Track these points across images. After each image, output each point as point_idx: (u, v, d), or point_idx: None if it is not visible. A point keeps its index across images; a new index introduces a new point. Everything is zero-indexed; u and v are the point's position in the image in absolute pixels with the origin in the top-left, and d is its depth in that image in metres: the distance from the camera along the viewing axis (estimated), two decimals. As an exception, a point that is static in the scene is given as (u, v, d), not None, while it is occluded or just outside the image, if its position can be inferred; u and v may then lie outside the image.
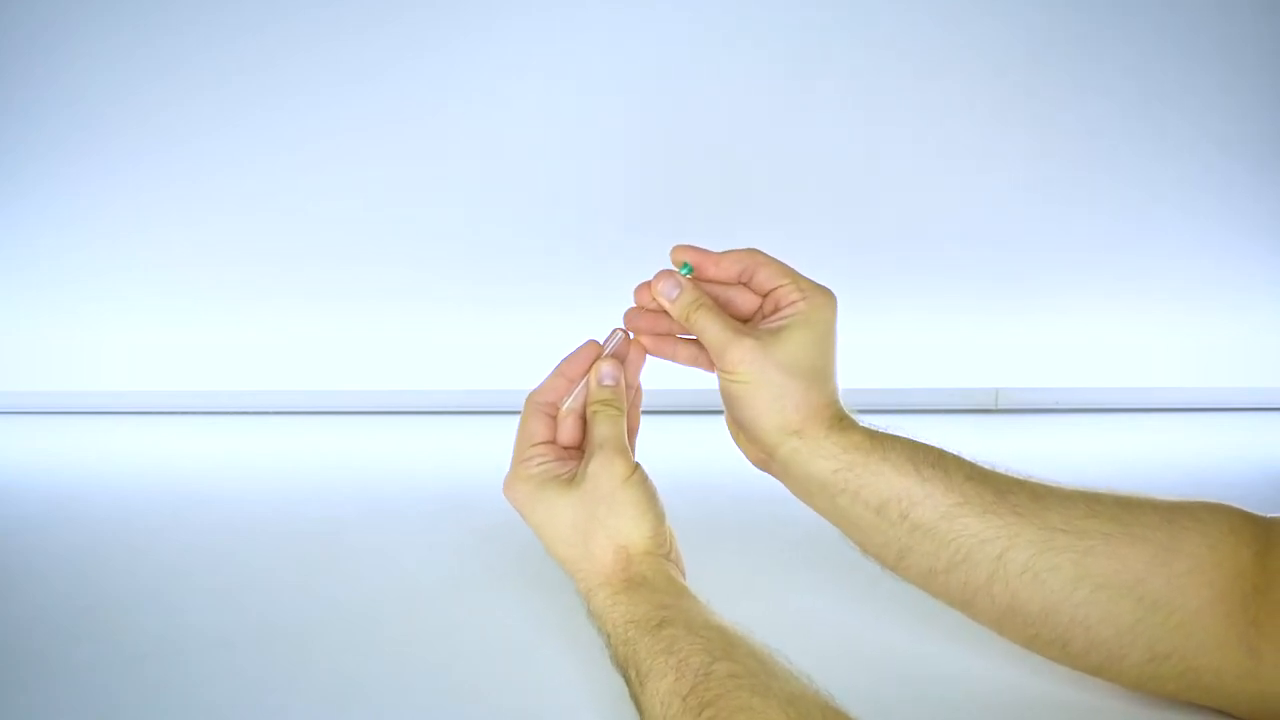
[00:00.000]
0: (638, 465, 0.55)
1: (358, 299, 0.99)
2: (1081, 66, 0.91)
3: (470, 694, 0.58)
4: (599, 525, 0.54)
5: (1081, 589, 0.50)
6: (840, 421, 0.55)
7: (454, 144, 0.94)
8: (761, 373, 0.54)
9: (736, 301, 0.58)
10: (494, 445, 0.95)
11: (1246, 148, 0.93)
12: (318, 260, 0.98)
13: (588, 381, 0.58)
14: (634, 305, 0.59)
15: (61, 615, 0.66)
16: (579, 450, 0.59)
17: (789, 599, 0.67)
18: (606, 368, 0.58)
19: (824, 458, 0.54)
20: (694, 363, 0.60)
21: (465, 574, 0.71)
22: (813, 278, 0.57)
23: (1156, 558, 0.50)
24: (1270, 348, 0.99)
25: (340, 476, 0.89)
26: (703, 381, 0.59)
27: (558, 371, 0.59)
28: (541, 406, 0.58)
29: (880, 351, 0.98)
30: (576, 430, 0.58)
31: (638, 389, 0.60)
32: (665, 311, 0.58)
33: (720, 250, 0.58)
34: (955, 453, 0.55)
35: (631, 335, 0.60)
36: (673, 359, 0.61)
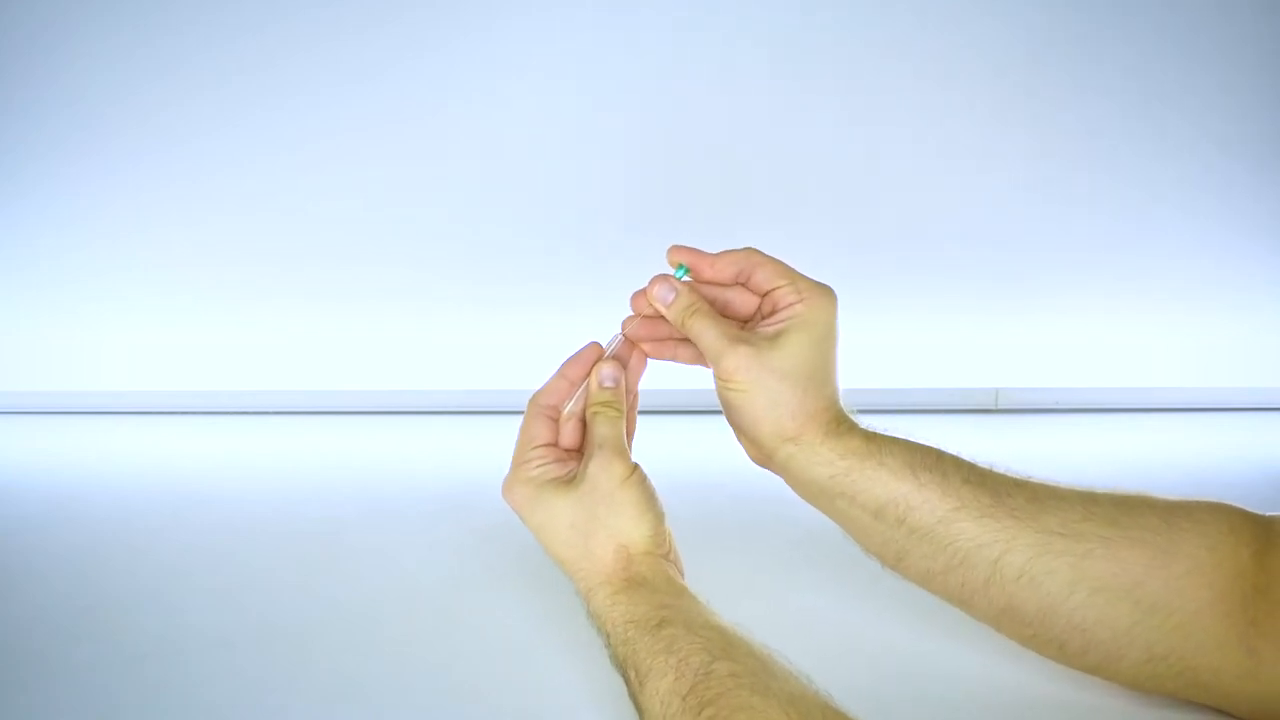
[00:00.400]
0: (637, 466, 0.55)
1: (358, 299, 0.99)
2: (1081, 67, 0.91)
3: (470, 694, 0.58)
4: (599, 525, 0.54)
5: (1079, 592, 0.50)
6: (838, 425, 0.55)
7: (453, 144, 0.94)
8: (758, 380, 0.54)
9: (735, 303, 0.58)
10: (494, 445, 0.94)
11: (1246, 148, 0.93)
12: (318, 260, 0.98)
13: (588, 383, 0.58)
14: (631, 313, 0.59)
15: (61, 615, 0.66)
16: (579, 453, 0.58)
17: (789, 598, 0.67)
18: (607, 370, 0.58)
19: (820, 464, 0.54)
20: (695, 362, 0.60)
21: (465, 574, 0.71)
22: (812, 276, 0.56)
23: (1155, 560, 0.50)
24: (1270, 348, 0.99)
25: (340, 476, 0.89)
26: (703, 381, 0.59)
27: (560, 373, 0.59)
28: (543, 409, 0.58)
29: (880, 351, 0.98)
30: (577, 433, 0.58)
31: (635, 393, 0.60)
32: (663, 316, 0.57)
33: (717, 251, 0.57)
34: (954, 454, 0.54)
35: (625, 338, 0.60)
36: (674, 360, 0.60)
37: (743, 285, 0.58)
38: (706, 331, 0.55)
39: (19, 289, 1.01)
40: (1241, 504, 0.52)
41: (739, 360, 0.54)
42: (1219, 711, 0.51)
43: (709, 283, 0.58)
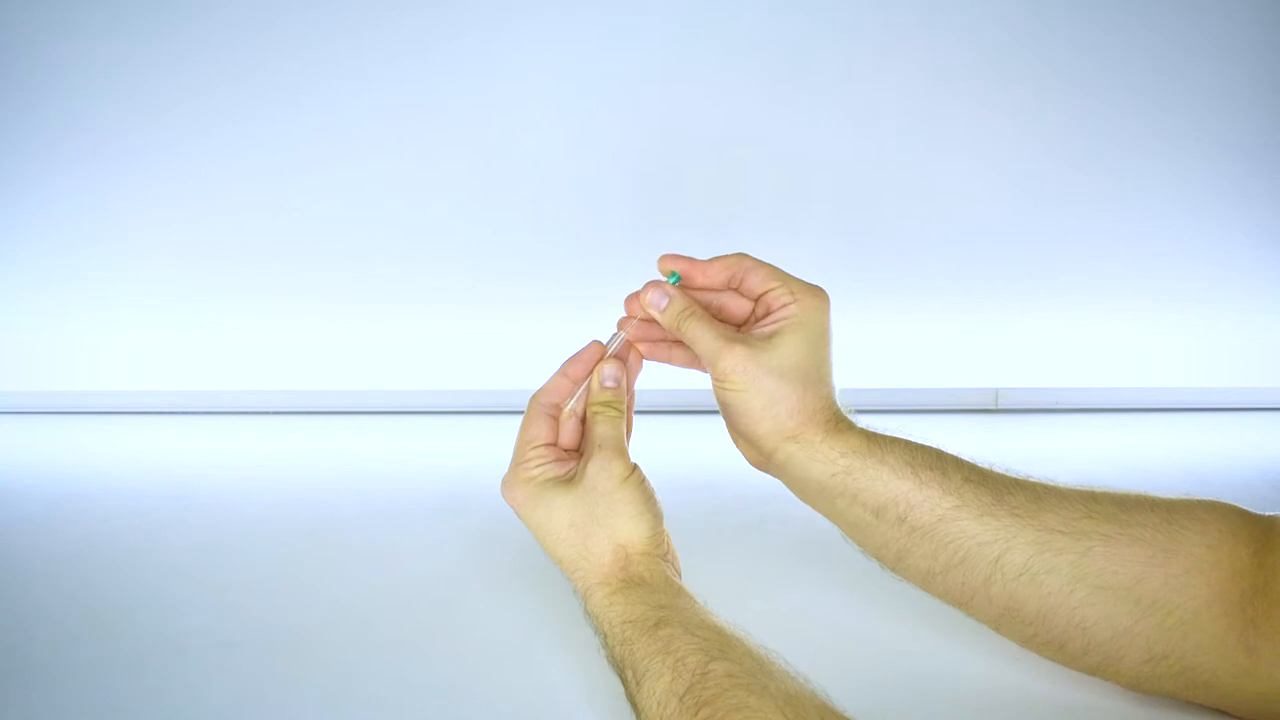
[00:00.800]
0: (636, 466, 0.56)
1: (358, 299, 0.99)
2: (1081, 67, 0.91)
3: (470, 694, 0.58)
4: (597, 525, 0.54)
5: (1079, 590, 0.50)
6: (837, 424, 0.55)
7: (454, 146, 0.94)
8: (754, 380, 0.54)
9: (729, 307, 0.58)
10: (494, 445, 0.95)
11: (1246, 148, 0.93)
12: (318, 261, 0.98)
13: (589, 383, 0.58)
14: (625, 315, 0.59)
15: (61, 615, 0.66)
16: (578, 452, 0.58)
17: (787, 597, 0.67)
18: (609, 369, 0.58)
19: (821, 462, 0.54)
20: (690, 364, 0.60)
21: (465, 574, 0.71)
22: (807, 277, 0.56)
23: (1154, 558, 0.50)
24: (1270, 348, 0.99)
25: (340, 476, 0.89)
26: (701, 381, 0.59)
27: (561, 372, 0.59)
28: (544, 408, 0.58)
29: (880, 351, 0.98)
30: (577, 432, 0.58)
31: (632, 393, 0.60)
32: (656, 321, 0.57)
33: (709, 257, 0.57)
34: (954, 453, 0.54)
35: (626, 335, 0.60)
36: (669, 362, 0.61)
37: (735, 290, 0.57)
38: (702, 335, 0.55)
39: (19, 289, 1.01)
40: (1241, 504, 0.52)
41: (735, 360, 0.54)
42: (1219, 711, 0.51)
43: (701, 289, 0.58)
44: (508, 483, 0.57)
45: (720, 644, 0.49)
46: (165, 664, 0.61)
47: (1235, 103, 0.92)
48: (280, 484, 0.87)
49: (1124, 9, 0.89)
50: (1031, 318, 1.00)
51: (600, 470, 0.55)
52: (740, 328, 0.58)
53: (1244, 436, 0.95)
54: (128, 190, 0.96)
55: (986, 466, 0.54)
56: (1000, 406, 0.98)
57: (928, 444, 0.55)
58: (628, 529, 0.54)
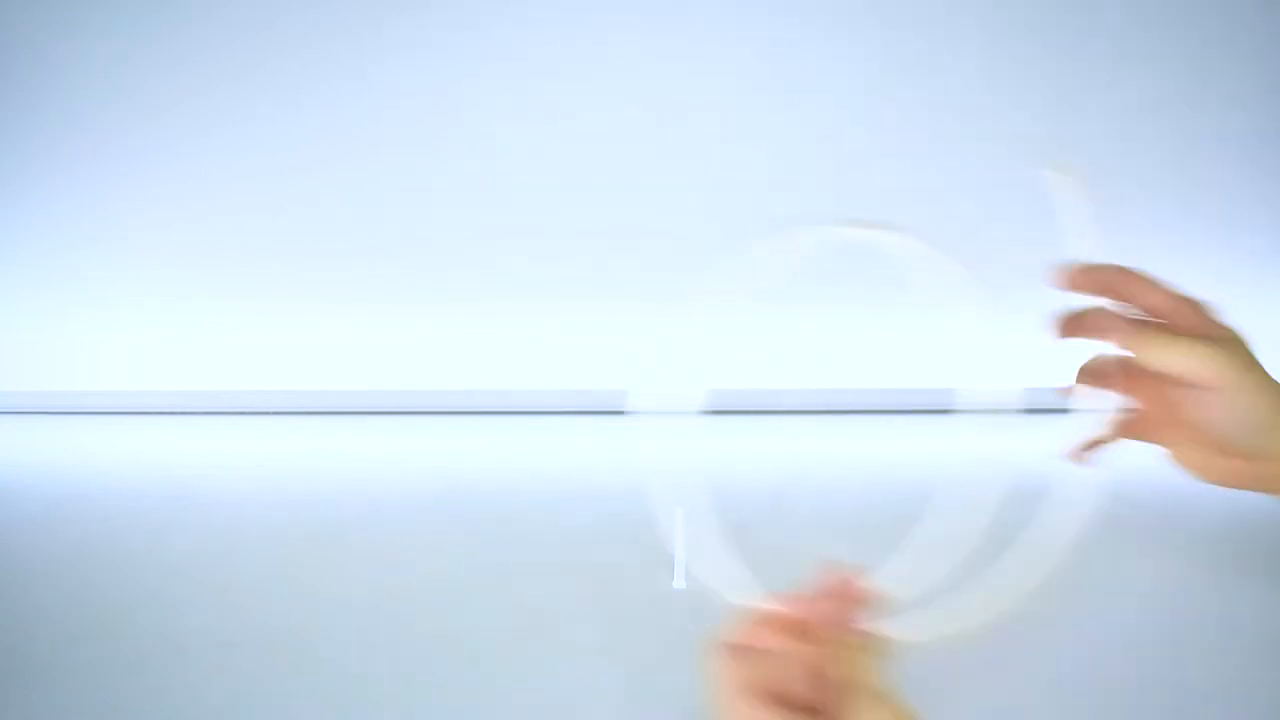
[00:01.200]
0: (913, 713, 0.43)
1: (359, 299, 0.99)
2: (1080, 66, 0.91)
3: (471, 694, 0.58)
4: None
5: None
6: None
7: (456, 145, 0.94)
8: (1236, 353, 0.54)
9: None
10: (494, 445, 0.95)
11: (1246, 147, 0.93)
12: (319, 260, 0.98)
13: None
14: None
15: (61, 615, 0.66)
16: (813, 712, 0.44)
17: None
18: (843, 610, 0.46)
19: None
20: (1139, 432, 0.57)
21: (465, 574, 0.71)
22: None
23: None
24: (1270, 348, 0.99)
25: (340, 476, 0.89)
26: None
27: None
28: (744, 657, 0.45)
29: (880, 352, 0.97)
30: (807, 684, 0.45)
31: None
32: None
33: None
34: None
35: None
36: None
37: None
38: (1170, 342, 0.54)
39: (19, 289, 1.01)
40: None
41: (1211, 347, 0.53)
42: None
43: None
44: None
45: None
46: (165, 664, 0.61)
47: (1236, 102, 0.92)
48: (280, 484, 0.87)
49: (1123, 10, 0.89)
50: (1031, 318, 1.00)
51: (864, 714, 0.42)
52: None
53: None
54: (128, 190, 0.96)
55: None
56: (1000, 406, 0.98)
57: None
58: None
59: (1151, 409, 0.56)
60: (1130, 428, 0.56)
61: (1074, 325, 0.56)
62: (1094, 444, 0.55)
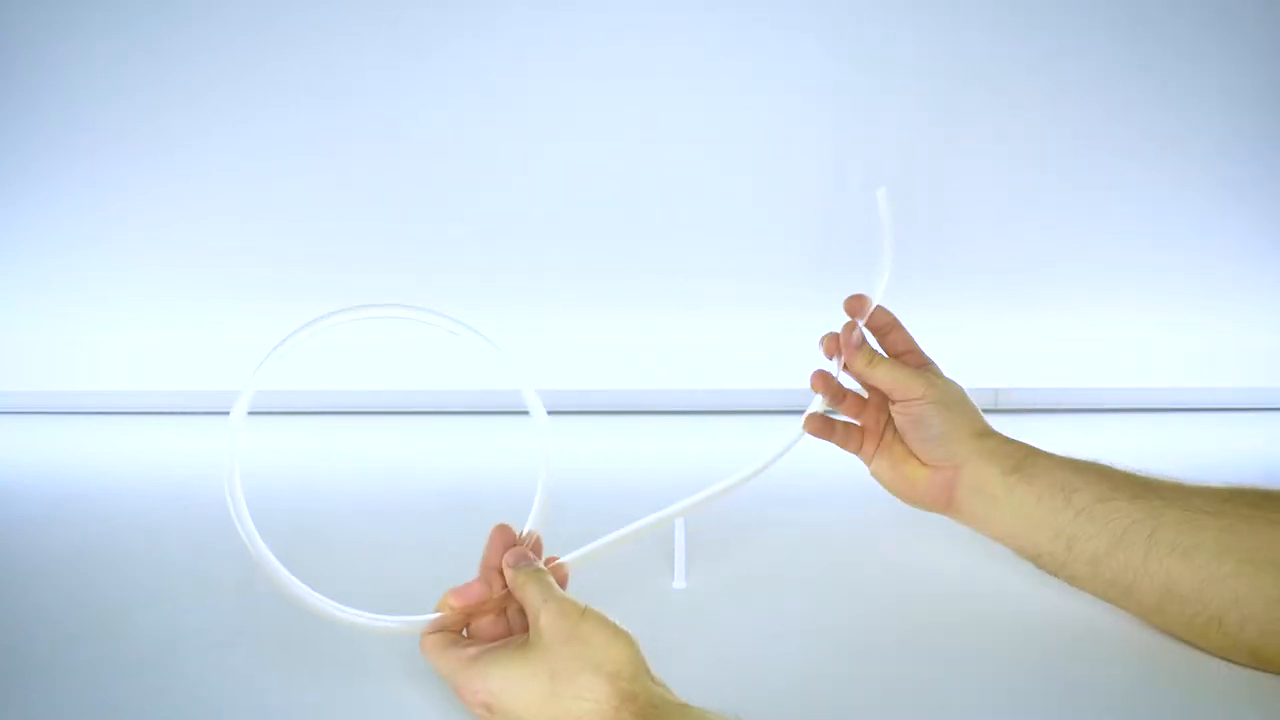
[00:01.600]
0: (587, 605, 0.53)
1: (359, 299, 0.99)
2: (1081, 67, 0.91)
3: (470, 694, 0.57)
4: (580, 664, 0.50)
5: (1227, 563, 0.55)
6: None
7: (456, 145, 0.94)
8: (947, 386, 0.65)
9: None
10: (494, 445, 0.95)
11: (1247, 147, 0.93)
12: (318, 260, 0.98)
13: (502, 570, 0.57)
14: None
15: (61, 615, 0.66)
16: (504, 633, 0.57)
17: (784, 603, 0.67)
18: (513, 556, 0.57)
19: (1005, 453, 0.63)
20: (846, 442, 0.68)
21: (465, 574, 0.71)
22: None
23: None
24: (1270, 348, 0.99)
25: (340, 476, 0.89)
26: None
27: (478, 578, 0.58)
28: (442, 637, 0.56)
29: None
30: (498, 625, 0.57)
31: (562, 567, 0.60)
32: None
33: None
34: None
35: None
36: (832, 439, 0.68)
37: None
38: (892, 368, 0.65)
39: (19, 289, 1.01)
40: None
41: (929, 376, 0.65)
42: None
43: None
44: (460, 683, 0.53)
45: None
46: (165, 664, 0.61)
47: (1236, 102, 0.92)
48: (280, 484, 0.86)
49: (1123, 10, 0.89)
50: (1031, 318, 1.00)
51: (554, 617, 0.52)
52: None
53: (1244, 436, 0.95)
54: (128, 190, 0.96)
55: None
56: (1000, 406, 0.98)
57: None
58: (611, 655, 0.50)
59: (865, 422, 0.68)
60: (846, 437, 0.68)
61: (830, 343, 0.68)
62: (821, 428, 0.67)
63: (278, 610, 0.66)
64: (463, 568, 0.71)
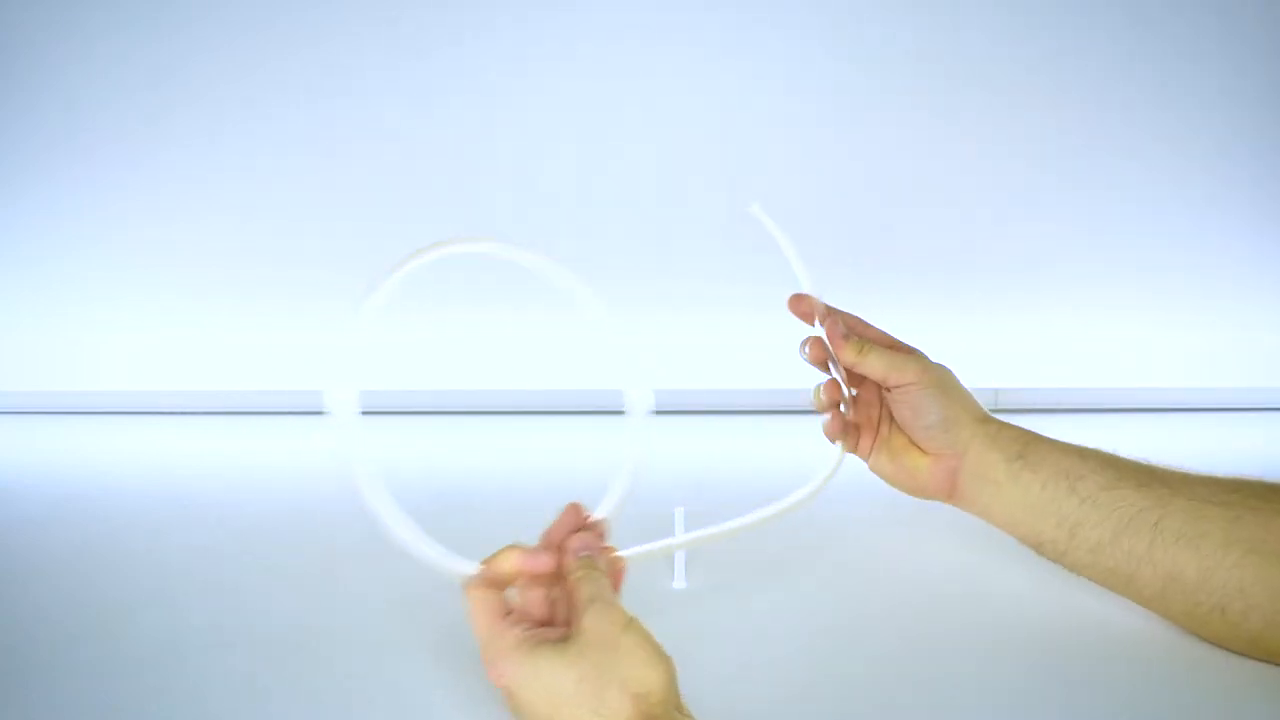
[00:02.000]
0: (634, 617, 0.52)
1: (358, 299, 0.99)
2: (1081, 67, 0.91)
3: (472, 694, 0.58)
4: (610, 676, 0.49)
5: (1233, 553, 0.55)
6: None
7: (457, 145, 0.94)
8: (940, 371, 0.65)
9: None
10: (493, 445, 0.95)
11: (1246, 147, 0.93)
12: (318, 260, 0.98)
13: (563, 550, 0.57)
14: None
15: (61, 615, 0.66)
16: (550, 624, 0.56)
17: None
18: (579, 541, 0.57)
19: (1008, 439, 0.63)
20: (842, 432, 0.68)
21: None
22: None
23: None
24: (1270, 348, 0.99)
25: (340, 477, 0.88)
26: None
27: (541, 543, 0.58)
28: (485, 585, 0.56)
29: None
30: (545, 604, 0.56)
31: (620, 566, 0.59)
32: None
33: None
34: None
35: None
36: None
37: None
38: (882, 355, 0.64)
39: (19, 289, 1.01)
40: None
41: (921, 360, 0.65)
42: None
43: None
44: (494, 659, 0.52)
45: None
46: (165, 664, 0.61)
47: (1236, 102, 0.92)
48: (281, 484, 0.87)
49: (1124, 10, 0.89)
50: (1031, 318, 1.00)
51: (598, 619, 0.51)
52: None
53: (1244, 436, 0.95)
54: (128, 190, 0.96)
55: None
56: (1000, 406, 0.98)
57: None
58: (642, 677, 0.49)
59: (860, 419, 0.68)
60: (846, 436, 0.67)
61: (815, 347, 0.68)
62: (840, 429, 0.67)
63: (278, 610, 0.66)
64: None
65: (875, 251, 0.98)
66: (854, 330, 0.67)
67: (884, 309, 0.97)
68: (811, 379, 0.69)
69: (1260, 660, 0.56)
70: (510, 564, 0.56)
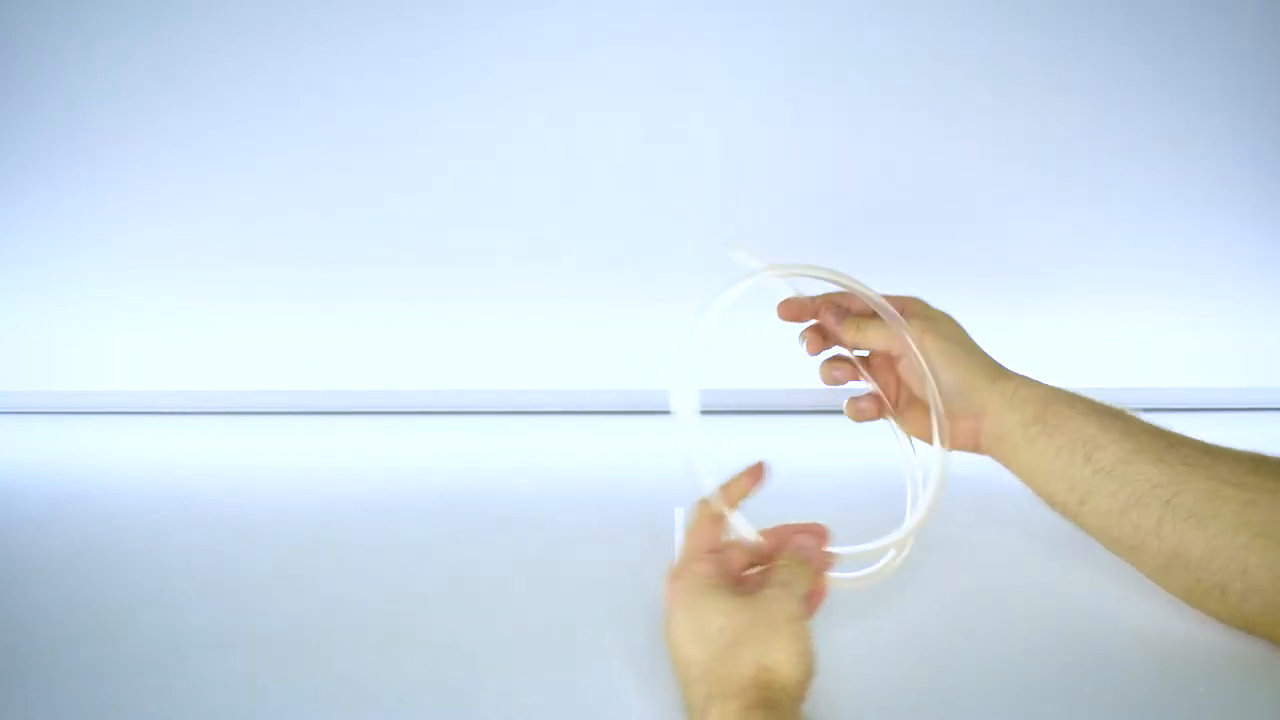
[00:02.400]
0: (807, 621, 0.55)
1: (359, 299, 0.99)
2: (1081, 66, 0.91)
3: (472, 694, 0.58)
4: (751, 639, 0.52)
5: (1241, 535, 0.54)
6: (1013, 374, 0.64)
7: (458, 145, 0.94)
8: (948, 323, 0.66)
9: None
10: (495, 445, 0.95)
11: (1247, 147, 0.93)
12: (318, 260, 0.98)
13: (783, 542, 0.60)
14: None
15: (61, 615, 0.66)
16: (740, 580, 0.59)
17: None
18: (803, 540, 0.60)
19: (1025, 400, 0.62)
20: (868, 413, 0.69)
21: (466, 574, 0.71)
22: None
23: None
24: (1270, 348, 0.99)
25: (340, 476, 0.89)
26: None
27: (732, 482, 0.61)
28: (714, 516, 0.60)
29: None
30: (742, 562, 0.60)
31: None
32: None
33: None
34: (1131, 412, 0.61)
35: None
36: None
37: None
38: (881, 327, 0.65)
39: (19, 289, 1.01)
40: None
41: (918, 322, 0.65)
42: None
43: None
44: (675, 574, 0.57)
45: None
46: (165, 664, 0.61)
47: (1236, 102, 0.92)
48: (281, 484, 0.87)
49: (1123, 9, 0.89)
50: (1031, 317, 1.00)
51: (778, 596, 0.54)
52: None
53: (1244, 436, 0.94)
54: (128, 190, 0.96)
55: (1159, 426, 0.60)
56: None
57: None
58: (781, 657, 0.51)
59: (883, 388, 0.68)
60: (872, 409, 0.68)
61: (813, 337, 0.68)
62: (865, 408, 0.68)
63: (278, 610, 0.66)
64: (463, 567, 0.71)
65: (874, 251, 0.98)
66: (846, 309, 0.68)
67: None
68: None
69: (1250, 635, 0.57)
70: (738, 491, 0.60)
